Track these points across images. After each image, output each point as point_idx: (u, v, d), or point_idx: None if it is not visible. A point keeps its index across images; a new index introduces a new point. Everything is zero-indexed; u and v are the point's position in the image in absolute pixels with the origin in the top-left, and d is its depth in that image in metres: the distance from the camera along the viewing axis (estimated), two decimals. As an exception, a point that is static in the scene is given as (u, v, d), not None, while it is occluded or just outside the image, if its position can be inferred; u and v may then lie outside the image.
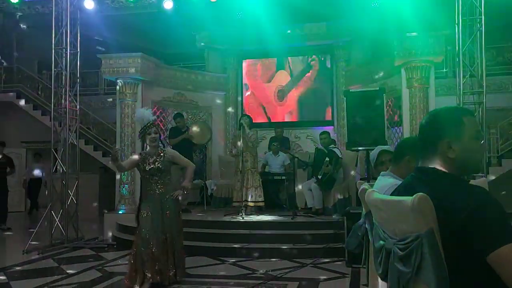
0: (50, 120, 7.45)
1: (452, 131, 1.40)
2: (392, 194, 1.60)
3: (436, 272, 1.23)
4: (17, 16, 11.70)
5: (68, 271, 5.27)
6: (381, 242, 1.53)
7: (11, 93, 12.16)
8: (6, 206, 8.90)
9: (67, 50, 7.07)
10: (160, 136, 4.44)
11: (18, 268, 5.52)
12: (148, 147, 4.34)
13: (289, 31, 9.48)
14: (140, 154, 4.40)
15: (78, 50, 7.25)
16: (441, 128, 1.41)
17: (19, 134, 12.07)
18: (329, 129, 9.06)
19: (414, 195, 1.26)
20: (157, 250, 4.16)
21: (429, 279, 1.25)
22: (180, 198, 4.41)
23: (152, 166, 4.23)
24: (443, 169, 1.41)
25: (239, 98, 10.26)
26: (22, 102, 12.10)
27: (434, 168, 1.43)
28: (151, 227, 4.22)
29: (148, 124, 4.28)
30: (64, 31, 7.02)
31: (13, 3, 9.32)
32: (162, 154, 4.31)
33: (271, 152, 8.21)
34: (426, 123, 1.47)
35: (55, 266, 5.63)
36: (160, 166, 4.24)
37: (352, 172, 7.37)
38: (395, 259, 1.39)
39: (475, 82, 6.46)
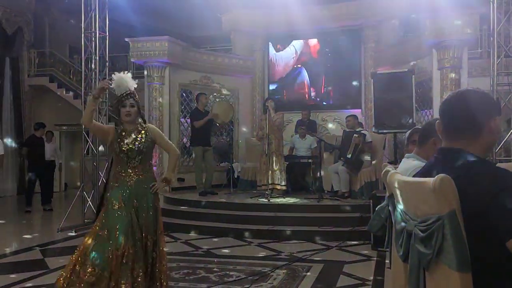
0: (81, 103, 7.64)
1: (486, 114, 1.38)
2: (415, 176, 1.57)
3: (457, 254, 1.21)
4: (49, 1, 11.97)
5: (99, 249, 5.45)
6: (403, 223, 1.52)
7: (44, 77, 12.52)
8: (52, 186, 9.19)
9: (96, 34, 7.19)
10: (138, 109, 3.34)
11: (53, 245, 5.76)
12: (123, 123, 3.30)
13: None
14: (116, 128, 3.33)
15: (107, 34, 7.36)
16: (475, 111, 1.38)
17: (52, 117, 12.43)
18: (357, 112, 8.93)
19: (436, 176, 1.24)
20: (131, 257, 3.02)
21: (450, 261, 1.23)
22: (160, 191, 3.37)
23: (130, 146, 3.22)
24: (469, 150, 1.38)
25: (266, 81, 10.21)
26: (54, 86, 12.44)
27: (459, 148, 1.39)
28: (126, 225, 3.07)
29: (124, 94, 3.25)
30: (93, 15, 7.13)
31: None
32: (143, 132, 3.30)
33: (298, 135, 8.19)
34: (457, 104, 1.43)
35: (87, 244, 5.84)
36: (141, 148, 3.24)
37: (379, 155, 7.26)
38: (416, 241, 1.37)
39: (510, 62, 6.21)
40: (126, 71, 3.39)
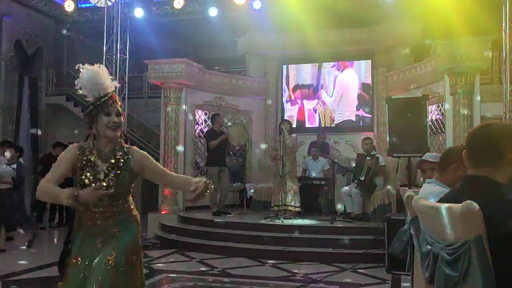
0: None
1: (508, 144, 1.47)
2: (439, 201, 1.66)
3: (483, 277, 1.29)
4: (68, 23, 12.33)
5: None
6: (428, 246, 1.60)
7: (61, 96, 12.78)
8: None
9: (117, 57, 7.42)
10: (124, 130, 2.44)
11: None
12: (98, 138, 2.25)
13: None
14: (80, 147, 2.24)
15: (127, 56, 7.60)
16: (498, 141, 1.48)
17: (67, 134, 12.64)
18: (369, 135, 9.02)
19: (463, 202, 1.33)
20: None
21: (476, 284, 1.31)
22: None
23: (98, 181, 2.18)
24: (493, 178, 1.48)
25: (279, 103, 10.37)
26: (71, 105, 12.69)
27: (485, 176, 1.49)
28: None
29: (105, 97, 2.22)
30: (114, 38, 7.39)
31: (66, 10, 9.85)
32: (122, 160, 2.24)
33: (310, 157, 8.27)
34: (482, 135, 1.53)
35: (103, 262, 5.91)
36: (114, 186, 2.19)
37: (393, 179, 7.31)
38: (443, 263, 1.45)
39: (523, 89, 6.30)
40: (100, 65, 2.33)
